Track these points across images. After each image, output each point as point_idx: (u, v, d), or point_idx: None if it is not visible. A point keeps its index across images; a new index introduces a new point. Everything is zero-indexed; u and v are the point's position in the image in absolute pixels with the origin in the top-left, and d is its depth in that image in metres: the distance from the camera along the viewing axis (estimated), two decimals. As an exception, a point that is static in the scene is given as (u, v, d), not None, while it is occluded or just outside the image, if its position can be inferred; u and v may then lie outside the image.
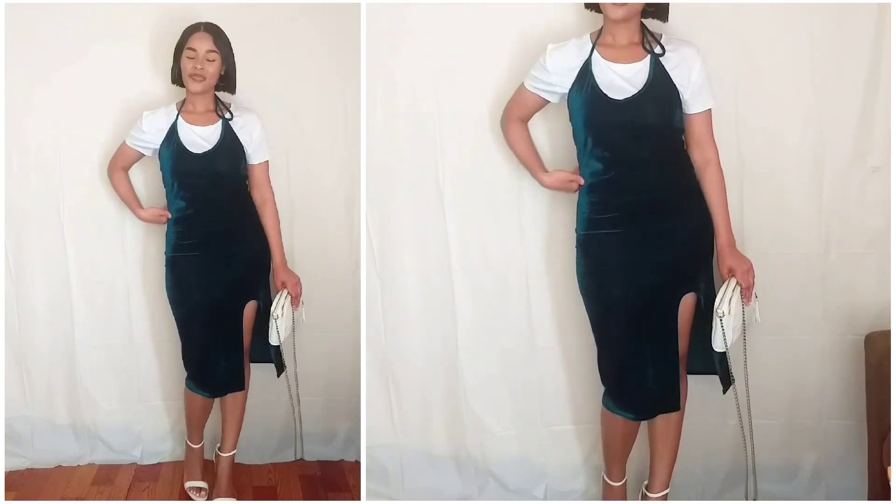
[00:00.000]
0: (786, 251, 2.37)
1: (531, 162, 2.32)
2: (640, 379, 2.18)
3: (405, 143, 2.48)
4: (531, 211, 2.45)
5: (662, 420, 2.28)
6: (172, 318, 2.59)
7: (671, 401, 2.21)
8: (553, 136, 2.36)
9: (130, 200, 2.66)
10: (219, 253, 2.53)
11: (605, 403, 2.27)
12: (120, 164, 2.63)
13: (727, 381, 2.19)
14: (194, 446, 2.73)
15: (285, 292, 2.55)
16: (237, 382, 2.60)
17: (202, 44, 2.43)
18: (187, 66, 2.44)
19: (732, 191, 2.35)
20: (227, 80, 2.52)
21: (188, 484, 2.71)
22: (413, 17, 2.41)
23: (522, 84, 2.24)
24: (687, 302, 2.17)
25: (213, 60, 2.45)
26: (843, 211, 2.34)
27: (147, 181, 2.72)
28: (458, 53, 2.40)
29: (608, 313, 2.20)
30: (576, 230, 2.23)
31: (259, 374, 2.88)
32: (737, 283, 2.09)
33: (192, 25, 2.47)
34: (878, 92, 2.27)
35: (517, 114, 2.29)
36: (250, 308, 2.60)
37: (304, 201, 2.81)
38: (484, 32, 2.37)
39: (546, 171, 2.30)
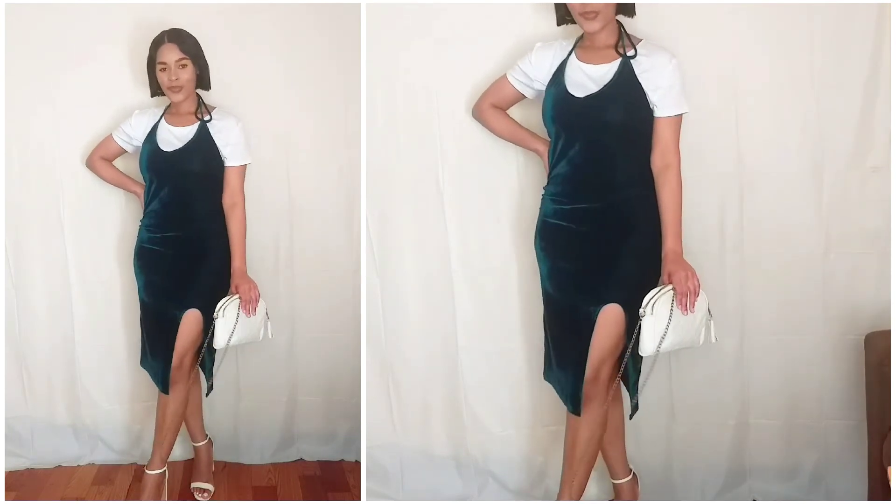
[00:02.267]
0: (786, 251, 2.37)
1: (521, 136, 2.32)
2: (559, 365, 2.19)
3: (405, 143, 2.48)
4: (531, 211, 2.44)
5: (570, 422, 2.20)
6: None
7: (572, 402, 2.15)
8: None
9: (122, 181, 2.67)
10: (180, 256, 2.50)
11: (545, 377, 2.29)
12: (101, 155, 2.65)
13: (633, 406, 2.16)
14: (192, 444, 2.76)
15: (235, 296, 2.47)
16: (162, 385, 2.52)
17: (170, 54, 2.44)
18: (163, 79, 2.47)
19: (732, 191, 2.36)
20: (201, 80, 2.53)
21: (192, 485, 2.72)
22: (413, 17, 2.41)
23: (504, 75, 2.26)
24: (610, 312, 2.08)
25: (185, 66, 2.46)
26: (843, 211, 2.33)
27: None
28: (458, 53, 2.39)
29: (546, 298, 2.23)
30: (538, 215, 2.24)
31: (258, 375, 2.89)
32: (671, 287, 2.02)
33: (156, 38, 2.47)
34: (878, 92, 2.27)
35: (493, 102, 2.32)
36: (193, 316, 2.48)
37: (304, 201, 2.81)
38: (484, 33, 2.37)
39: (540, 137, 2.28)
